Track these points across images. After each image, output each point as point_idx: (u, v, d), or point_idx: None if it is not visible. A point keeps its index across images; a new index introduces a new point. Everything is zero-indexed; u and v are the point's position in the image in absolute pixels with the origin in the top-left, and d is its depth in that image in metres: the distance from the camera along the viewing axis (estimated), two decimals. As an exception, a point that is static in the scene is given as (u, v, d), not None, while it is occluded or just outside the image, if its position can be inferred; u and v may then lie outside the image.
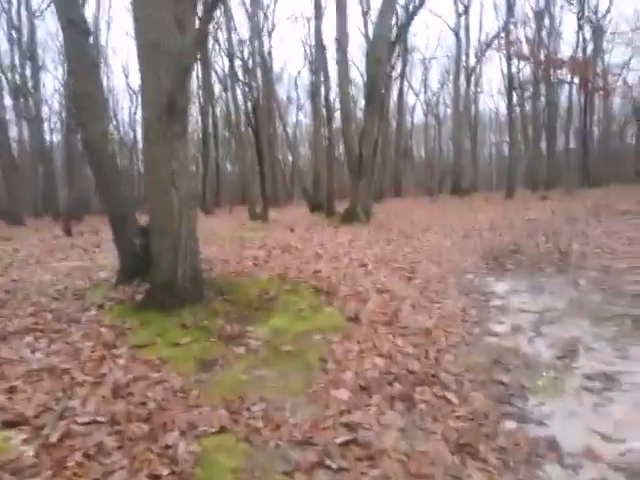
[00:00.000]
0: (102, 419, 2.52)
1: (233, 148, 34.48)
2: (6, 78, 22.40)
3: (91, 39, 5.29)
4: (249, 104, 14.06)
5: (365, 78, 13.30)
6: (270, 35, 30.66)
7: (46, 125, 29.85)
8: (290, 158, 35.20)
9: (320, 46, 14.87)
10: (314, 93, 18.19)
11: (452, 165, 31.97)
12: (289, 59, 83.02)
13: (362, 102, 14.99)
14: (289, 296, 4.65)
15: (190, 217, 4.42)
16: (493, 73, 75.66)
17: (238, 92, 18.65)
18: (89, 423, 2.48)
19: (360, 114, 15.69)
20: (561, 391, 2.68)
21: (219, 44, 19.73)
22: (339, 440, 2.25)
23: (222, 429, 2.42)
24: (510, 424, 2.35)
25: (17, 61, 23.50)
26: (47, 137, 28.19)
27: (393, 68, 19.38)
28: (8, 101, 23.09)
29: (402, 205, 23.14)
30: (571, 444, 2.16)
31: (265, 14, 28.36)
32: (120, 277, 5.35)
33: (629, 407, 2.45)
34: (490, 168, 54.82)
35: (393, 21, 15.83)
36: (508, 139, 31.13)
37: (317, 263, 6.82)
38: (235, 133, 19.16)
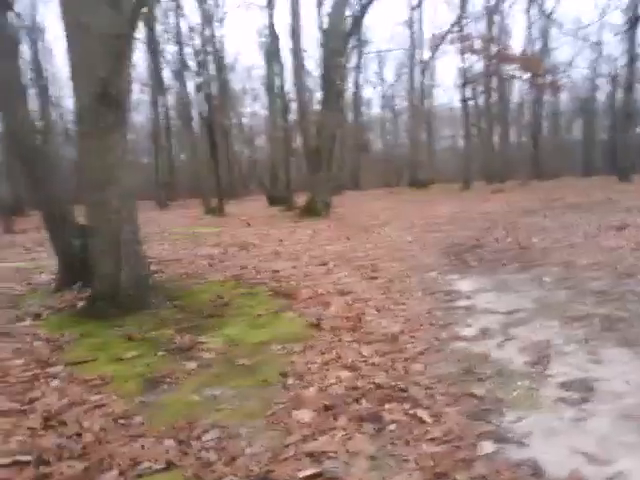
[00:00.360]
0: (26, 458, 2.16)
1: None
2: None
3: (11, 15, 4.77)
4: (201, 94, 13.48)
5: (321, 70, 13.02)
6: (222, 23, 29.85)
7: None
8: (246, 150, 34.54)
9: (274, 35, 14.46)
10: (269, 84, 17.74)
11: (409, 158, 32.18)
12: (243, 49, 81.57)
13: (319, 94, 14.78)
14: (246, 300, 4.34)
15: (131, 216, 4.03)
16: (448, 68, 76.82)
17: (189, 81, 18.00)
18: (9, 465, 2.12)
19: (318, 106, 15.43)
20: (538, 404, 2.50)
21: (167, 31, 18.88)
22: (303, 474, 1.98)
23: (169, 465, 2.11)
24: (488, 446, 2.15)
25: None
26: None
27: (348, 60, 19.13)
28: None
29: (361, 198, 23.09)
30: (556, 468, 1.97)
31: (216, 1, 27.52)
32: (60, 282, 4.89)
33: (611, 420, 2.30)
34: (447, 161, 55.75)
35: (347, 13, 15.63)
36: (463, 132, 31.68)
37: (276, 262, 6.53)
38: (186, 124, 18.41)
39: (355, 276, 5.42)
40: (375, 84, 43.58)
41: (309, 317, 3.86)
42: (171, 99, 30.73)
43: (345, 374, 2.84)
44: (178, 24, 17.23)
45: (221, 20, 30.08)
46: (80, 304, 4.24)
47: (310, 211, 12.70)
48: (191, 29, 17.67)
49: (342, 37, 12.66)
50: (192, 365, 3.05)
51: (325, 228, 10.44)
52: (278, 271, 5.70)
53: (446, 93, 65.21)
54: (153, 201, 22.33)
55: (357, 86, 35.03)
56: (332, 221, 11.78)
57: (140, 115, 30.91)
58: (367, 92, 44.23)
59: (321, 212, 12.61)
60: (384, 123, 47.44)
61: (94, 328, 3.75)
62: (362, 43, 29.40)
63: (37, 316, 4.09)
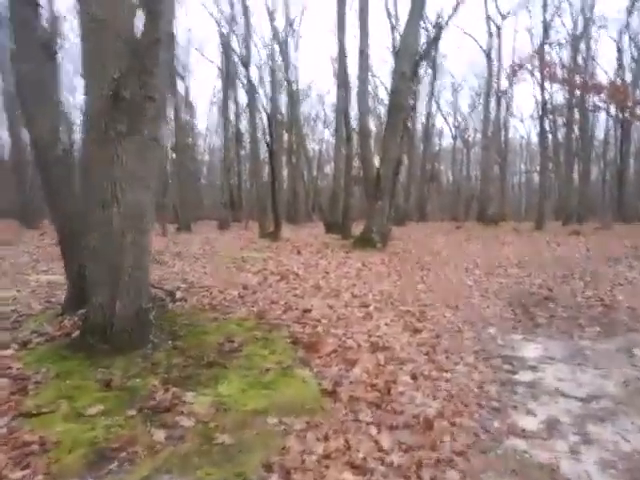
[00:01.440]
0: None
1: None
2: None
3: (44, 14, 4.55)
4: (265, 118, 13.29)
5: (389, 94, 12.43)
6: (296, 48, 30.31)
7: None
8: (312, 176, 34.50)
9: (343, 59, 14.08)
10: (338, 110, 17.39)
11: (479, 191, 30.68)
12: (318, 75, 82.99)
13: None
14: (259, 348, 3.67)
15: (137, 241, 3.49)
16: (525, 98, 74.08)
17: (259, 104, 18.04)
18: None
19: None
20: None
21: (235, 52, 19.06)
22: None
23: None
24: None
25: None
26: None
27: (419, 83, 18.44)
28: None
29: (425, 231, 21.98)
30: None
31: (291, 25, 27.94)
32: (66, 306, 4.46)
33: None
34: (519, 197, 53.22)
35: (422, 38, 15.03)
36: (539, 167, 29.83)
37: (313, 298, 5.83)
38: (251, 147, 18.39)
39: (397, 325, 4.61)
40: (448, 114, 42.65)
41: (325, 380, 3.13)
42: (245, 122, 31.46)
43: (349, 479, 2.08)
44: (248, 44, 17.30)
45: (296, 45, 30.63)
46: (75, 334, 3.75)
47: (365, 242, 11.94)
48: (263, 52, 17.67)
49: (413, 60, 12.02)
50: (161, 436, 2.40)
51: (377, 262, 9.65)
52: (310, 310, 5.00)
53: (523, 125, 62.47)
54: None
55: (429, 115, 34.14)
56: (387, 254, 10.95)
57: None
58: (439, 122, 43.06)
59: (377, 244, 11.82)
60: (455, 154, 46.07)
61: (76, 366, 3.22)
62: (436, 69, 28.61)
63: (25, 344, 3.64)
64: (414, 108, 20.34)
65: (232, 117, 27.12)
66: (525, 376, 3.44)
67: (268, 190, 17.35)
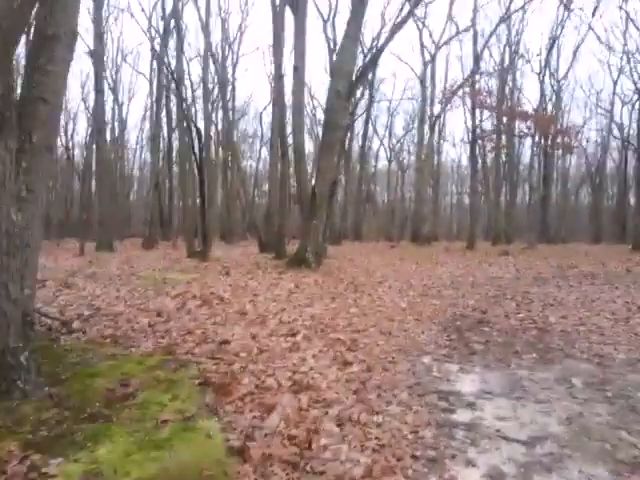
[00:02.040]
0: None
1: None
2: None
3: None
4: (194, 136, 12.66)
5: (324, 113, 12.22)
6: (234, 65, 29.89)
7: None
8: (246, 194, 33.76)
9: (278, 76, 13.77)
10: (273, 126, 17.04)
11: (413, 212, 31.28)
12: (258, 94, 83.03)
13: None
14: (159, 392, 3.08)
15: (4, 265, 2.84)
16: (456, 124, 77.63)
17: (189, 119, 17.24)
18: None
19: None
20: None
21: (166, 65, 18.26)
22: None
23: None
24: None
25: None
26: None
27: (355, 106, 18.49)
28: None
29: (360, 250, 21.89)
30: None
31: (229, 45, 27.55)
32: None
33: None
34: (450, 218, 55.14)
35: (359, 62, 15.03)
36: (469, 190, 30.91)
37: (235, 326, 5.28)
38: (180, 162, 17.54)
39: (326, 357, 4.15)
40: (384, 136, 43.57)
41: (235, 433, 2.60)
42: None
43: None
44: (180, 57, 16.63)
45: (234, 62, 30.18)
46: None
47: (299, 262, 11.50)
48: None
49: (348, 78, 11.89)
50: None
51: (311, 283, 9.22)
52: (228, 342, 4.45)
53: (454, 149, 65.16)
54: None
55: (366, 137, 34.64)
56: (321, 274, 10.56)
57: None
58: (376, 144, 43.86)
59: (311, 264, 11.41)
60: (391, 176, 47.06)
61: None
62: (373, 93, 29.10)
63: None
64: (350, 128, 20.41)
65: (165, 132, 26.16)
66: (463, 415, 3.08)
67: (197, 207, 16.61)
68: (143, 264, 12.40)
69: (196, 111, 24.83)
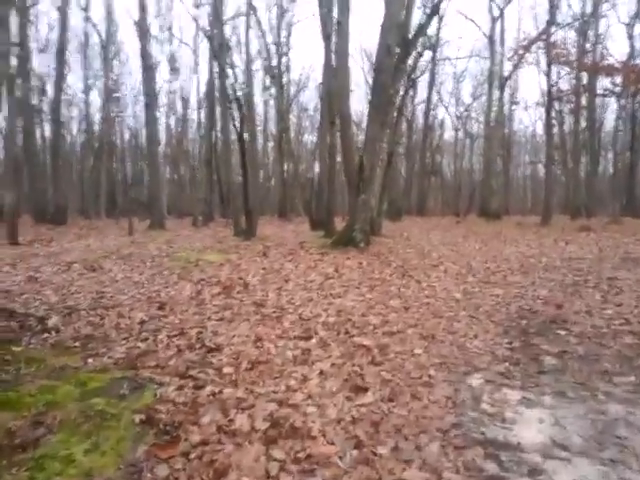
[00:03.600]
0: None
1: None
2: None
3: None
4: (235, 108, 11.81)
5: (372, 73, 10.90)
6: (288, 37, 28.77)
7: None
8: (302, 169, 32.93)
9: (325, 33, 12.52)
10: (322, 91, 15.88)
11: (481, 184, 29.06)
12: (317, 65, 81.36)
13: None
14: (75, 439, 2.18)
15: None
16: (529, 88, 71.96)
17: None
18: None
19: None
20: None
21: (209, 34, 17.30)
22: None
23: None
24: None
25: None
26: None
27: (414, 69, 16.85)
28: None
29: (421, 226, 20.41)
30: None
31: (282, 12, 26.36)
32: None
33: None
34: (523, 190, 51.61)
35: (416, 20, 13.45)
36: (544, 159, 28.14)
37: (241, 323, 4.38)
38: (223, 137, 16.72)
39: (336, 377, 3.12)
40: (449, 104, 40.96)
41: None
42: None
43: None
44: (221, 31, 15.69)
45: (288, 32, 29.04)
46: None
47: (345, 241, 10.45)
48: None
49: (401, 33, 10.51)
50: None
51: (353, 266, 8.17)
52: (220, 348, 3.55)
53: (528, 114, 60.38)
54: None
55: (429, 105, 32.51)
56: (368, 256, 9.46)
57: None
58: (441, 113, 41.44)
59: (359, 244, 10.33)
60: (457, 147, 44.37)
61: None
62: (436, 54, 26.92)
63: None
64: (407, 92, 18.79)
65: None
66: (523, 494, 1.97)
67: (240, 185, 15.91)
68: (186, 243, 11.86)
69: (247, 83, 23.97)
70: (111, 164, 25.24)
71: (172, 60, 30.15)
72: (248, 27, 14.56)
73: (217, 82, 17.61)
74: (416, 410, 2.68)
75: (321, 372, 3.15)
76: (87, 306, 4.87)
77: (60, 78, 21.04)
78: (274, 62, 28.59)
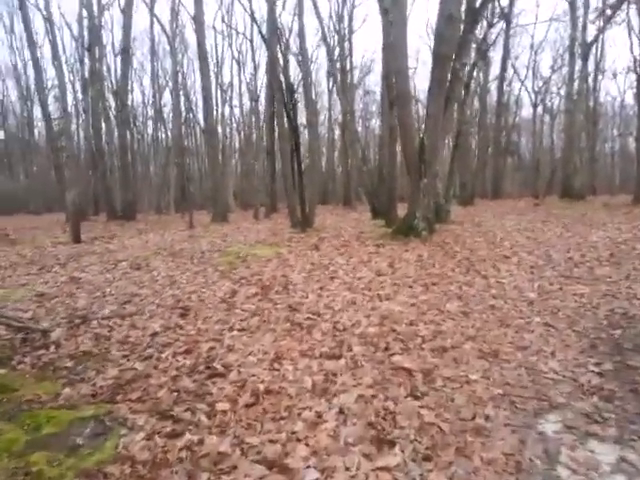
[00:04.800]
0: None
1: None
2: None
3: None
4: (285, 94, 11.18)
5: (433, 44, 9.83)
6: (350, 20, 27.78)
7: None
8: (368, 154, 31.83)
9: (382, 7, 11.55)
10: (382, 72, 14.89)
11: (563, 162, 26.62)
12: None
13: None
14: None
15: None
16: (618, 54, 65.39)
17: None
18: None
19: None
20: None
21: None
22: None
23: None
24: None
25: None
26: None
27: (483, 40, 15.39)
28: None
29: (495, 210, 18.89)
30: None
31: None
32: None
33: None
34: (612, 167, 47.23)
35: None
36: (635, 132, 25.20)
37: (265, 335, 3.76)
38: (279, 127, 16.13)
39: (361, 415, 2.41)
40: (525, 78, 38.03)
41: None
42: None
43: None
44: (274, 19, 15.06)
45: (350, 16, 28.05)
46: None
47: (406, 230, 9.58)
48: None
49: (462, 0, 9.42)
50: None
51: (412, 259, 7.33)
52: (226, 372, 2.94)
53: (616, 83, 54.90)
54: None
55: (502, 80, 30.25)
56: (431, 247, 8.55)
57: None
58: (517, 88, 38.68)
59: (420, 232, 9.42)
60: (536, 124, 41.24)
61: None
62: (509, 24, 24.78)
63: None
64: (476, 65, 17.30)
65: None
66: None
67: (308, 174, 15.32)
68: (241, 237, 11.51)
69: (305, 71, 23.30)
70: (182, 159, 25.60)
71: (238, 53, 30.16)
72: (298, 13, 13.79)
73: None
74: (461, 478, 1.92)
75: (341, 410, 2.46)
76: (104, 314, 4.47)
77: (125, 78, 21.54)
78: (336, 47, 27.83)
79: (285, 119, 12.03)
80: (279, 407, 2.49)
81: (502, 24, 24.36)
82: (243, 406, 2.49)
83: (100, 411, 2.38)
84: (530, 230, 11.20)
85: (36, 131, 38.41)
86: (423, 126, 10.31)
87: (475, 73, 30.59)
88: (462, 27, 11.44)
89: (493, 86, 33.48)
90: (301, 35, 13.11)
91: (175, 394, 2.63)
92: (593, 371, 2.95)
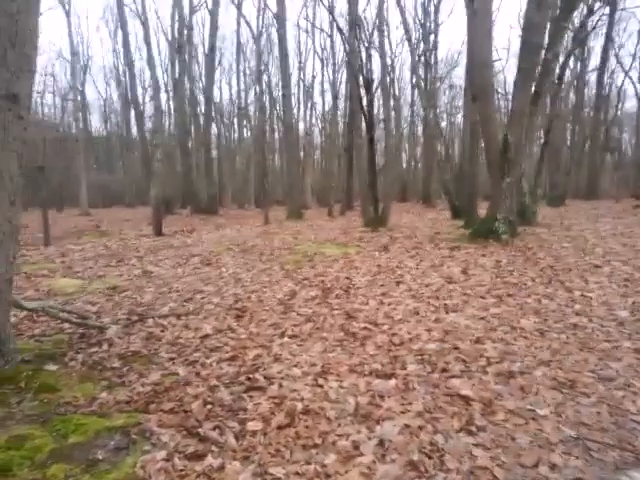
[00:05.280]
0: None
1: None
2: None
3: None
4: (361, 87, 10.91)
5: (521, 33, 9.08)
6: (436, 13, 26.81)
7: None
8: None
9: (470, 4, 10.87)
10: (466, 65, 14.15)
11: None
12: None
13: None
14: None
15: None
16: None
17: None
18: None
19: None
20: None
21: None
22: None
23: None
24: None
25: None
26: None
27: (581, 27, 14.11)
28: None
29: (589, 213, 17.37)
30: None
31: None
32: None
33: None
34: None
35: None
36: None
37: (315, 344, 3.57)
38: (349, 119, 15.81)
39: (403, 451, 2.11)
40: (631, 68, 34.74)
41: None
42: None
43: None
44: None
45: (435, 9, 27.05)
46: None
47: (485, 233, 8.98)
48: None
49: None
50: None
51: (488, 265, 6.80)
52: (267, 385, 2.77)
53: None
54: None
55: (603, 70, 27.78)
56: (512, 251, 7.92)
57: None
58: (619, 80, 35.41)
59: (501, 236, 8.78)
60: (640, 117, 37.55)
61: None
62: (614, 9, 22.62)
63: None
64: (571, 55, 15.95)
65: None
66: None
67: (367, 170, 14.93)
68: (311, 235, 11.44)
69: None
70: (263, 155, 26.19)
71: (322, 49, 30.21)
72: (378, 5, 13.36)
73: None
74: None
75: (381, 442, 2.20)
76: (162, 312, 4.50)
77: (211, 76, 22.31)
78: (421, 41, 27.04)
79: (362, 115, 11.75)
80: (314, 432, 2.28)
81: (605, 9, 22.32)
82: (275, 427, 2.30)
83: (130, 421, 2.31)
84: (627, 236, 10.08)
85: (134, 129, 41.26)
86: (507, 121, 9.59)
87: (572, 64, 28.43)
88: (556, 13, 10.54)
89: (592, 77, 30.85)
90: (380, 29, 12.74)
91: (209, 407, 2.50)
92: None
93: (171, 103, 31.99)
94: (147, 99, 34.39)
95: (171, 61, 24.98)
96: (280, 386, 2.80)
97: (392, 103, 20.18)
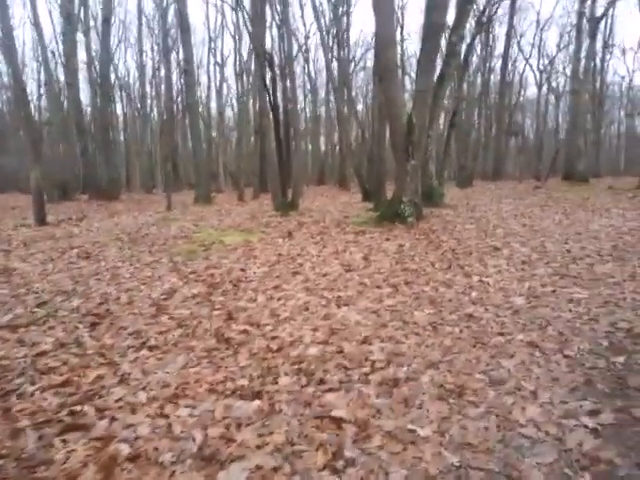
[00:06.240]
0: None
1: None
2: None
3: None
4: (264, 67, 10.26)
5: (425, 14, 8.86)
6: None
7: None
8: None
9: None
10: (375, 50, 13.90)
11: (566, 144, 25.59)
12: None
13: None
14: None
15: None
16: (628, 33, 63.35)
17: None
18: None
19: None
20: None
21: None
22: None
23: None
24: None
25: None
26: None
27: (483, 13, 14.33)
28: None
29: (494, 193, 17.98)
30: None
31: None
32: None
33: None
34: (616, 150, 46.07)
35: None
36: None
37: (180, 358, 3.01)
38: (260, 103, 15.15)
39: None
40: (530, 56, 36.73)
41: None
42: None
43: None
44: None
45: None
46: None
47: (390, 216, 8.79)
48: None
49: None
50: None
51: (390, 250, 6.55)
52: (85, 427, 2.17)
53: (624, 62, 52.89)
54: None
55: (506, 58, 28.98)
56: (416, 235, 7.76)
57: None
58: (520, 67, 37.30)
59: (407, 218, 8.62)
60: (540, 104, 39.95)
61: None
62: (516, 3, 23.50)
63: None
64: (476, 38, 16.26)
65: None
66: None
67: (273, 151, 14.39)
68: (216, 221, 10.73)
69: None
70: (170, 137, 24.68)
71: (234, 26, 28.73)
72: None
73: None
74: None
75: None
76: (0, 322, 3.71)
77: (106, 50, 20.45)
78: (333, 21, 26.63)
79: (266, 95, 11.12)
80: None
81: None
82: (80, 489, 1.73)
83: None
84: (527, 216, 10.39)
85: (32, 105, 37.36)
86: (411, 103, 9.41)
87: (479, 50, 29.40)
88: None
89: (498, 64, 32.19)
90: (284, 3, 12.10)
91: (-4, 463, 1.88)
92: (586, 426, 2.18)
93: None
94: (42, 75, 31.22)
95: (62, 33, 22.70)
96: (112, 420, 2.22)
97: (309, 86, 19.58)
